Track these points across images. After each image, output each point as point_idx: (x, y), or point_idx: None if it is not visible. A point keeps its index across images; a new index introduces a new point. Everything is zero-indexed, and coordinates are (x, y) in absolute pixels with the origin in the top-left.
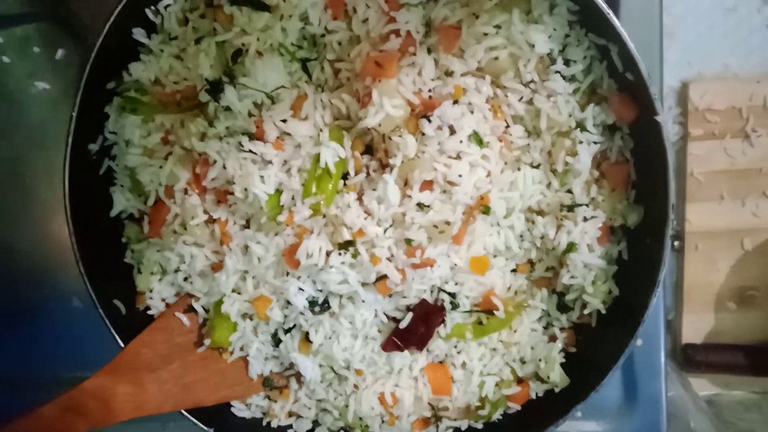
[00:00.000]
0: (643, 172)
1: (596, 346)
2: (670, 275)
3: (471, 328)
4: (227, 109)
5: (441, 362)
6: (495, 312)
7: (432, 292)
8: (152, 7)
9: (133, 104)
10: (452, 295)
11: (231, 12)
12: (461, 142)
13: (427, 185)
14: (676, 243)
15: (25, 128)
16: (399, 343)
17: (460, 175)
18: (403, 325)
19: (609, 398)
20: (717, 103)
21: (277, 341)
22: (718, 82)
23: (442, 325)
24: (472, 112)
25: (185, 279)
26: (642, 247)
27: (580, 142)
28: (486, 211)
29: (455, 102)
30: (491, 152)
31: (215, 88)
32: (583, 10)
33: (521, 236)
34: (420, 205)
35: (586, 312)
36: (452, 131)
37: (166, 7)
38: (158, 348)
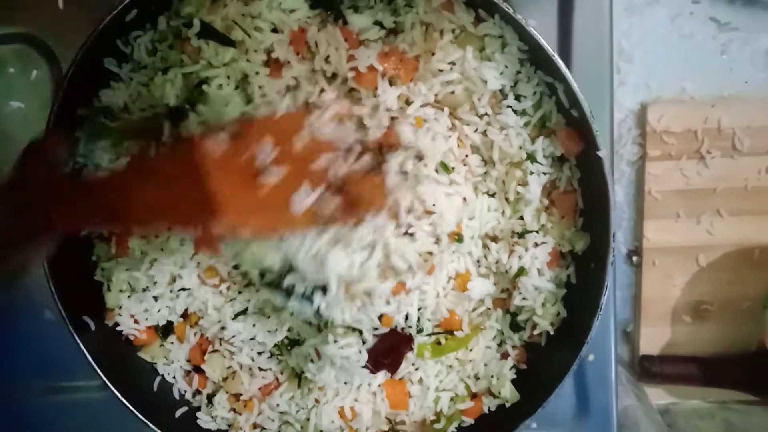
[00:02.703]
0: (589, 201)
1: (545, 363)
2: (629, 289)
3: (430, 347)
4: None
5: (399, 378)
6: (454, 332)
7: (406, 318)
8: (123, 38)
9: (101, 130)
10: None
11: (198, 45)
12: (436, 171)
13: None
14: (634, 258)
15: (0, 145)
16: (371, 367)
17: (434, 204)
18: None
19: (563, 409)
20: (674, 125)
21: None
22: (675, 105)
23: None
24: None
25: (155, 298)
26: (588, 272)
27: (531, 173)
28: (459, 239)
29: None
30: (459, 176)
31: (178, 115)
32: (531, 49)
33: (478, 262)
34: (407, 234)
35: (536, 333)
36: (420, 158)
37: (136, 38)
38: None
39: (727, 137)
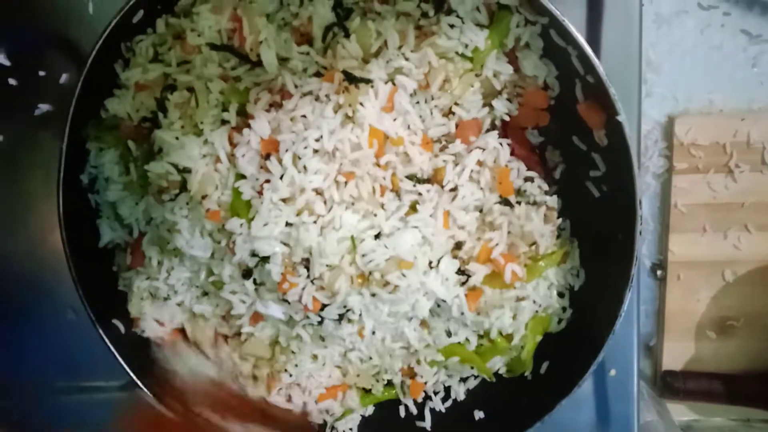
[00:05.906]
0: (612, 168)
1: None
2: (653, 303)
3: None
4: None
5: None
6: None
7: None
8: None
9: (108, 141)
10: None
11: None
12: None
13: None
14: (659, 272)
15: (29, 147)
16: None
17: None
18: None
19: (583, 423)
20: (701, 138)
21: None
22: (703, 118)
23: None
24: None
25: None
26: (616, 244)
27: None
28: None
29: None
30: None
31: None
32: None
33: None
34: None
35: None
36: None
37: (138, 42)
38: None
39: (756, 151)
